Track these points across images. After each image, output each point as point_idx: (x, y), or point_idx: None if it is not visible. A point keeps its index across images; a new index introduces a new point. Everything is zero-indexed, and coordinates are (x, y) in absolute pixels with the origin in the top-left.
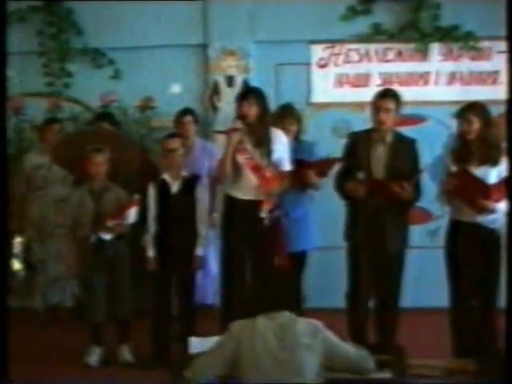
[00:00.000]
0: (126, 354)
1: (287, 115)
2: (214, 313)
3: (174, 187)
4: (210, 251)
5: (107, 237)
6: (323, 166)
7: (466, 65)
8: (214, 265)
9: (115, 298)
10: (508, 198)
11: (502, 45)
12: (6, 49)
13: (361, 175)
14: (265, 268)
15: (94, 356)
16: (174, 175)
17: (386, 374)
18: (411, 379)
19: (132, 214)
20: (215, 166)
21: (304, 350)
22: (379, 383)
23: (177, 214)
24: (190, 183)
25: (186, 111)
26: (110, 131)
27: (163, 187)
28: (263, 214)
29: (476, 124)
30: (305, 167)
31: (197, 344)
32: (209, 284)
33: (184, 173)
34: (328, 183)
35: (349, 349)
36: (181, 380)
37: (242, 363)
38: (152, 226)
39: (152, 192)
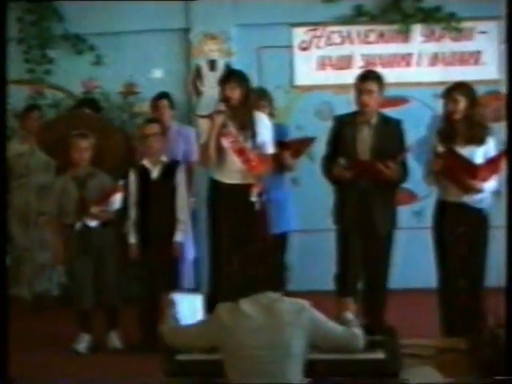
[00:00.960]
0: (114, 340)
1: (260, 98)
2: None
3: (154, 173)
4: (187, 236)
5: (93, 224)
6: (298, 146)
7: (448, 46)
8: (190, 250)
9: (102, 285)
10: (507, 187)
11: (484, 25)
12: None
13: (342, 161)
14: (250, 250)
15: (84, 343)
16: (154, 161)
17: (379, 355)
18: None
19: (117, 200)
20: (199, 150)
21: (289, 329)
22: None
23: (157, 199)
24: (170, 169)
25: (162, 95)
26: (95, 116)
27: (143, 173)
28: (253, 198)
29: (462, 103)
30: (280, 148)
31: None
32: (186, 269)
33: (164, 158)
34: (312, 166)
35: (336, 327)
36: (172, 365)
37: (225, 346)
38: (133, 211)
39: (132, 178)
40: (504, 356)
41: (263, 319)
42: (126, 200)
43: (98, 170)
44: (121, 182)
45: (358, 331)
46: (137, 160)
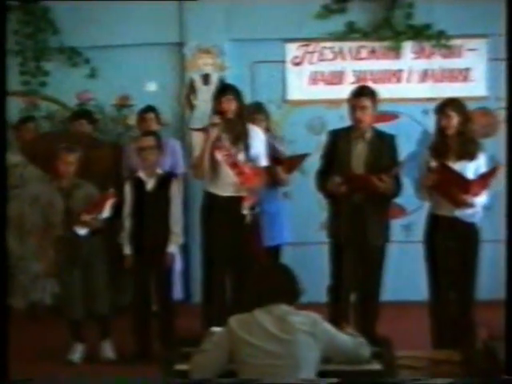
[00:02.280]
0: (107, 350)
1: (256, 112)
2: (185, 308)
3: (149, 184)
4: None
5: (82, 232)
6: (291, 162)
7: (437, 62)
8: (178, 261)
9: (92, 294)
10: (507, 196)
11: (473, 43)
12: (5, 49)
13: (337, 179)
14: (248, 263)
15: (77, 353)
16: (149, 173)
17: (376, 366)
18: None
19: (107, 207)
20: (192, 163)
21: (303, 342)
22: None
23: (151, 210)
24: (165, 181)
25: (148, 109)
26: (82, 133)
27: (138, 184)
28: (245, 211)
29: (455, 119)
30: (274, 164)
31: None
32: (175, 280)
33: (159, 171)
34: (304, 180)
35: (346, 339)
36: (171, 375)
37: (238, 356)
38: (128, 222)
39: (128, 189)
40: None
41: (276, 330)
42: (121, 211)
43: (84, 181)
44: (111, 190)
45: (363, 340)
46: (124, 171)
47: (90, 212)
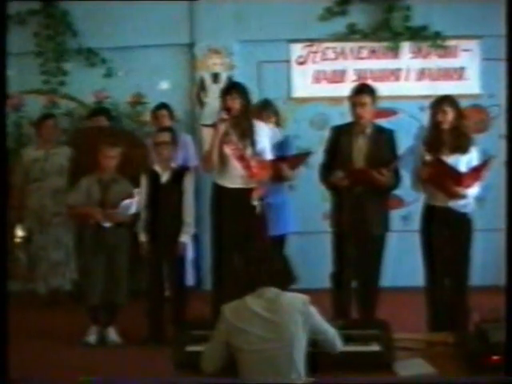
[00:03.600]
0: (113, 335)
1: (265, 109)
2: (196, 294)
3: (164, 177)
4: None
5: (107, 224)
6: (295, 160)
7: (434, 62)
8: (190, 250)
9: (113, 283)
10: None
11: (467, 43)
12: (6, 49)
13: (340, 174)
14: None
15: (94, 335)
16: (164, 166)
17: (374, 347)
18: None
19: (129, 205)
20: (202, 157)
21: (294, 321)
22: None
23: (166, 202)
24: (179, 174)
25: (162, 106)
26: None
27: (154, 177)
28: (255, 202)
29: (450, 114)
30: (279, 161)
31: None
32: (187, 267)
33: (173, 164)
34: (308, 173)
35: (328, 327)
36: (182, 356)
37: (234, 343)
38: (144, 213)
39: (144, 182)
40: (504, 356)
41: (268, 313)
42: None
43: (122, 177)
44: (136, 190)
45: (337, 333)
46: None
47: (113, 207)
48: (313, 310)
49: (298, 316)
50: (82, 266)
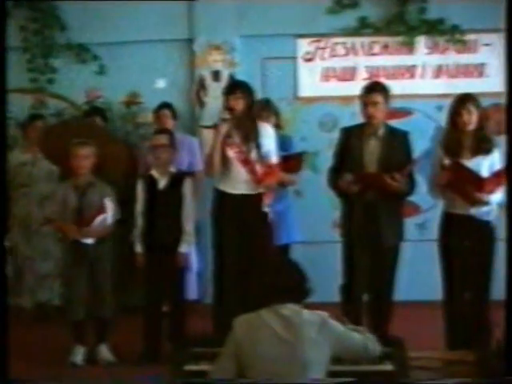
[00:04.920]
0: (105, 353)
1: (265, 110)
2: (200, 308)
3: (161, 183)
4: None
5: (88, 241)
6: (290, 163)
7: (452, 58)
8: (194, 260)
9: (97, 297)
10: (507, 195)
11: (488, 37)
12: (5, 48)
13: (349, 176)
14: (264, 261)
15: (79, 355)
16: (162, 171)
17: (387, 367)
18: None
19: (101, 221)
20: (203, 159)
21: (311, 343)
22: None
23: (163, 209)
24: (178, 180)
25: (164, 105)
26: (96, 125)
27: (151, 183)
28: (266, 208)
29: (475, 115)
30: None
31: None
32: (190, 280)
33: (171, 169)
34: (316, 178)
35: (355, 337)
36: (181, 375)
37: (244, 361)
38: (139, 220)
39: (140, 187)
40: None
41: (284, 332)
42: (133, 209)
43: (99, 180)
44: (108, 201)
45: (371, 336)
46: (141, 171)
47: (86, 224)
48: (333, 324)
49: (318, 336)
50: (64, 278)
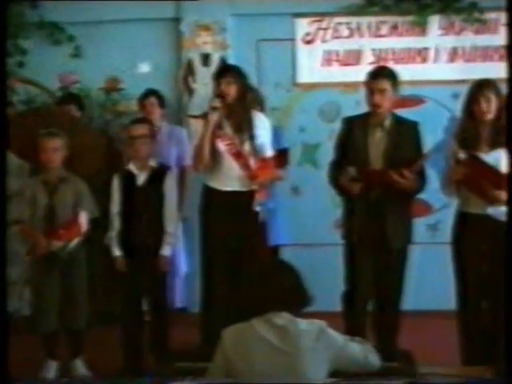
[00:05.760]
0: (80, 367)
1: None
2: (187, 318)
3: (140, 179)
4: (178, 248)
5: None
6: (277, 159)
7: (469, 39)
8: (183, 264)
9: (70, 305)
10: (507, 194)
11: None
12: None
13: (352, 171)
14: (257, 265)
15: (52, 371)
16: (141, 165)
17: (396, 383)
18: None
19: (83, 225)
20: (191, 152)
21: (308, 354)
22: None
23: (143, 208)
24: (158, 175)
25: (150, 92)
26: (70, 114)
27: (128, 179)
28: (257, 207)
29: (494, 103)
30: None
31: None
32: (177, 285)
33: (152, 163)
34: (316, 173)
35: (355, 348)
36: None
37: (234, 374)
38: (116, 221)
39: (116, 184)
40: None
41: (279, 342)
42: (106, 208)
43: (72, 175)
44: (83, 215)
45: (370, 347)
46: (123, 165)
47: (66, 228)
48: (332, 333)
49: (316, 346)
50: (34, 286)
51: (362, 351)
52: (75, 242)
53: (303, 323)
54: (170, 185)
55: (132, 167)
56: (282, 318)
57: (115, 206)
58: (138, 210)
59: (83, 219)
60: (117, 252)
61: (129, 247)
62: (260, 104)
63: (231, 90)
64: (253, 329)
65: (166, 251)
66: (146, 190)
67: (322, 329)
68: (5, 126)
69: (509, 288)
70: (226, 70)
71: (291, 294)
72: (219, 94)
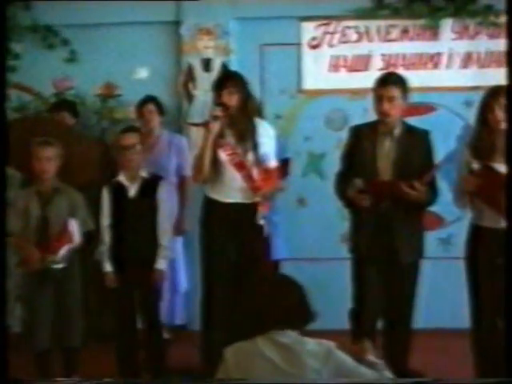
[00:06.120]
0: None
1: None
2: (186, 336)
3: (132, 190)
4: (178, 263)
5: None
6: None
7: (483, 44)
8: (182, 279)
9: (64, 323)
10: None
11: None
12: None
13: (359, 183)
14: (260, 280)
15: None
16: (132, 176)
17: None
18: None
19: (74, 233)
20: (191, 163)
21: (315, 375)
22: None
23: (135, 221)
24: (151, 185)
25: (148, 99)
26: (64, 122)
27: (119, 190)
28: (261, 221)
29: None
30: None
31: None
32: (177, 302)
33: (143, 173)
34: (322, 184)
35: (367, 372)
36: None
37: None
38: (107, 235)
39: (106, 196)
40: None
41: (284, 363)
42: (97, 221)
43: (67, 186)
44: (73, 223)
45: (388, 375)
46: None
47: (59, 241)
48: (341, 356)
49: (323, 369)
50: (26, 302)
51: (375, 377)
52: (65, 250)
53: (310, 343)
54: (163, 196)
55: (122, 178)
56: (288, 337)
57: (106, 220)
58: (129, 223)
59: (74, 227)
60: (108, 267)
61: (121, 262)
62: (259, 114)
63: (233, 101)
64: (257, 347)
65: (160, 265)
66: (137, 202)
67: (330, 350)
68: (5, 134)
69: (509, 288)
70: (227, 78)
71: (295, 310)
72: (220, 103)
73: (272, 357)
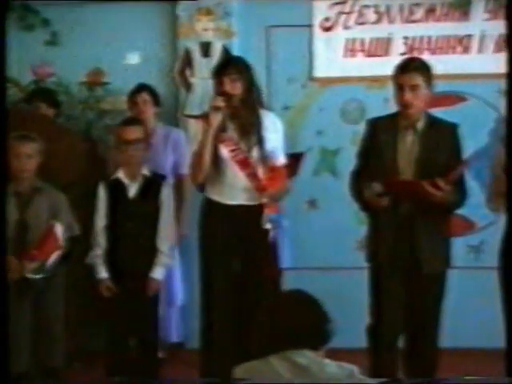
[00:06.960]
0: None
1: None
2: (184, 354)
3: (132, 190)
4: (174, 272)
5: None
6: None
7: None
8: (179, 291)
9: (45, 340)
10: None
11: None
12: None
13: (377, 187)
14: (269, 293)
15: None
16: (132, 174)
17: None
18: None
19: (59, 239)
20: (188, 160)
21: None
22: None
23: (134, 223)
24: (153, 185)
25: (141, 87)
26: (42, 114)
27: (118, 189)
28: (267, 225)
29: None
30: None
31: None
32: (173, 316)
33: (145, 171)
34: (336, 184)
35: None
36: None
37: None
38: (102, 238)
39: (103, 195)
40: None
41: None
42: (90, 222)
43: (48, 185)
44: (58, 226)
45: None
46: (107, 173)
47: (40, 248)
48: (363, 380)
49: None
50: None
51: None
52: (52, 260)
53: (332, 366)
54: (167, 197)
55: (121, 176)
56: (305, 357)
57: (101, 220)
58: (127, 226)
59: (59, 231)
60: (103, 273)
61: (115, 269)
62: (265, 102)
63: (236, 89)
64: (270, 367)
65: (157, 273)
66: (138, 203)
67: (352, 374)
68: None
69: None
70: (228, 65)
71: (312, 328)
72: (222, 93)
73: (288, 376)
